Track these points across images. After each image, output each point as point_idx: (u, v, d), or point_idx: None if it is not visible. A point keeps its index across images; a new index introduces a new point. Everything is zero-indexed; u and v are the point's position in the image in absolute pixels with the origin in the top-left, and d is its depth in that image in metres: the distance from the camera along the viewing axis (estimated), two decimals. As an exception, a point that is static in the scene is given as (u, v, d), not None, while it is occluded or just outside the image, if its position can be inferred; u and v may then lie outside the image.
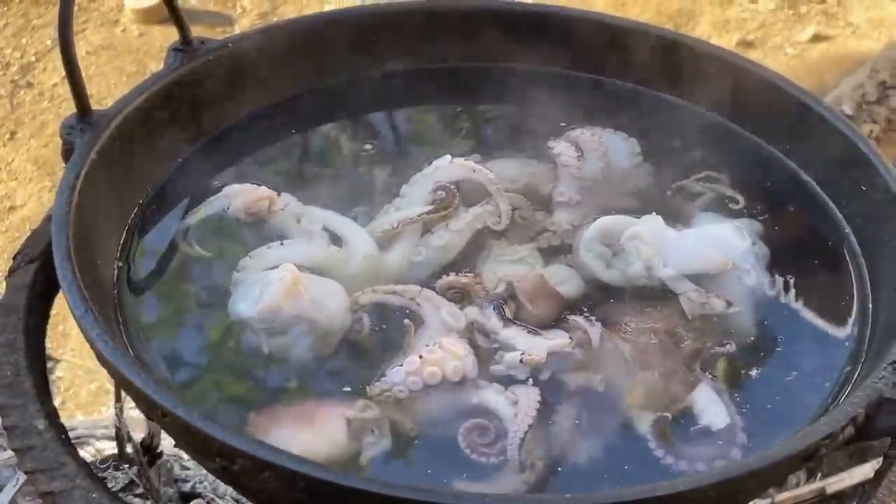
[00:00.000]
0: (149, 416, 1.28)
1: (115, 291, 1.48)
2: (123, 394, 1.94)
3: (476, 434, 1.35)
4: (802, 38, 4.12)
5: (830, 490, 2.31)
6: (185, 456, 2.31)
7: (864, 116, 3.18)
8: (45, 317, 1.53)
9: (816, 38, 4.13)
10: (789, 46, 4.07)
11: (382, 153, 1.81)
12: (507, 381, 1.41)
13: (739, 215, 1.68)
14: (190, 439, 1.20)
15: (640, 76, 1.86)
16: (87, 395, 2.79)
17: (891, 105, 3.24)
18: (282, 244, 1.55)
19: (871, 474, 2.18)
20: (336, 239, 1.58)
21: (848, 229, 1.64)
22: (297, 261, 1.50)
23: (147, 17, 4.18)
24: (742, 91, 1.77)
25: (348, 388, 1.40)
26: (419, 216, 1.59)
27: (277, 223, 1.59)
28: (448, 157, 1.67)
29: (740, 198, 1.72)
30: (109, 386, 2.73)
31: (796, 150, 1.74)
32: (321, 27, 1.83)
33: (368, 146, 1.82)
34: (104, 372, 2.69)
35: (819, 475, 2.33)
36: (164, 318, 1.51)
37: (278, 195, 1.62)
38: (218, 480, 2.25)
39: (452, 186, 1.64)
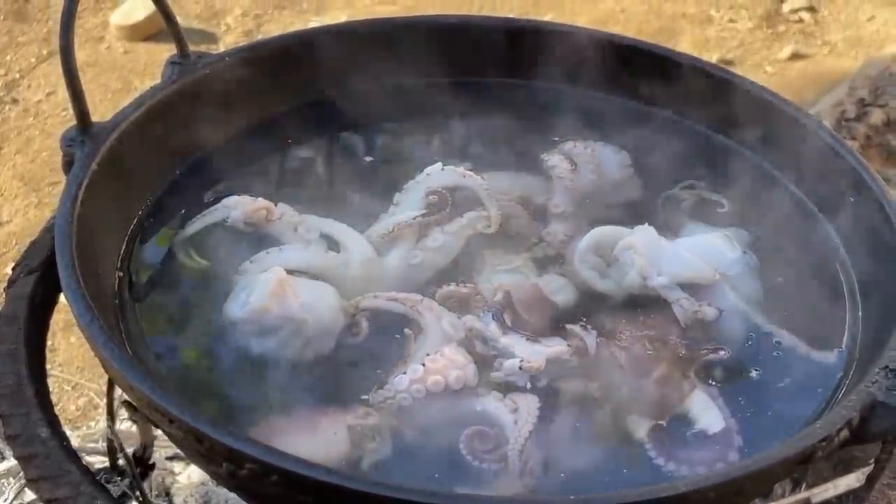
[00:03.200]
0: (154, 424, 1.28)
1: (117, 301, 1.49)
2: (116, 405, 1.95)
3: (477, 441, 1.36)
4: (781, 56, 4.18)
5: (816, 500, 2.33)
6: (177, 469, 2.32)
7: (843, 133, 3.22)
8: (45, 327, 1.54)
9: (795, 57, 4.19)
10: (768, 65, 4.12)
11: (377, 165, 1.84)
12: (506, 387, 1.43)
13: (728, 224, 1.71)
14: (197, 445, 1.20)
15: (631, 90, 1.89)
16: (75, 409, 2.78)
17: (870, 122, 3.28)
18: (281, 249, 1.58)
19: (856, 484, 2.21)
20: (335, 246, 1.61)
21: (837, 239, 1.67)
22: (295, 265, 1.54)
23: (132, 33, 4.18)
24: (731, 104, 1.81)
25: (349, 395, 1.42)
26: (414, 218, 1.63)
27: (275, 232, 1.62)
28: (439, 164, 1.70)
29: (726, 202, 1.75)
30: (98, 400, 2.72)
31: (785, 162, 1.77)
32: (317, 41, 1.84)
33: (363, 158, 1.84)
34: (93, 386, 2.71)
35: (804, 485, 2.36)
36: (165, 327, 1.52)
37: (275, 205, 1.64)
38: (209, 493, 2.26)
39: (445, 191, 1.67)
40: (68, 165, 1.53)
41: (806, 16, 4.43)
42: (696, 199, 1.77)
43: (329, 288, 1.53)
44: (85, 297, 1.32)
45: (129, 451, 1.97)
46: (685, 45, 4.16)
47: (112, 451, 1.98)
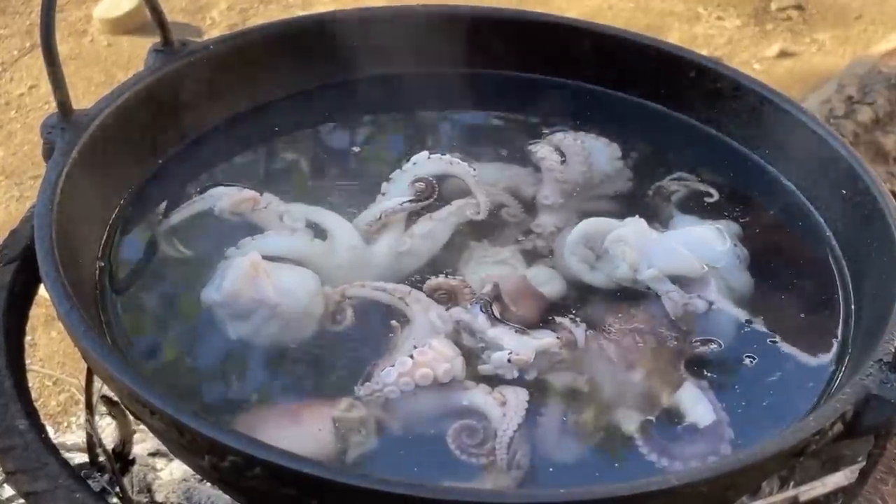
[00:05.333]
0: (135, 416, 1.26)
1: (98, 291, 1.47)
2: (95, 400, 1.92)
3: (465, 434, 1.34)
4: (769, 54, 4.18)
5: (804, 498, 2.32)
6: (159, 465, 2.29)
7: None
8: (24, 317, 1.52)
9: (783, 55, 4.19)
10: (756, 62, 4.12)
11: (364, 155, 1.81)
12: (495, 380, 1.41)
13: (719, 217, 1.70)
14: (178, 437, 1.18)
15: (621, 82, 1.87)
16: (56, 405, 2.75)
17: (858, 119, 3.28)
18: (265, 235, 1.56)
19: (845, 482, 2.20)
20: (322, 235, 1.59)
21: (829, 232, 1.65)
22: (280, 251, 1.53)
23: (115, 27, 4.15)
24: (722, 97, 1.79)
25: (334, 387, 1.40)
26: (401, 205, 1.61)
27: (261, 221, 1.60)
28: (425, 153, 1.69)
29: (715, 194, 1.74)
30: (79, 396, 2.69)
31: (777, 156, 1.76)
32: (303, 30, 1.82)
33: (351, 149, 1.82)
34: (74, 381, 2.68)
35: (792, 483, 2.35)
36: (147, 318, 1.49)
37: (260, 195, 1.62)
38: (191, 489, 2.23)
39: (431, 179, 1.66)
40: (48, 153, 1.50)
41: (794, 14, 4.43)
42: (685, 191, 1.75)
43: (308, 273, 1.51)
44: (64, 285, 1.29)
45: (109, 446, 1.95)
46: (673, 42, 4.15)
47: (91, 446, 1.96)
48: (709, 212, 1.72)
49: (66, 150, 1.48)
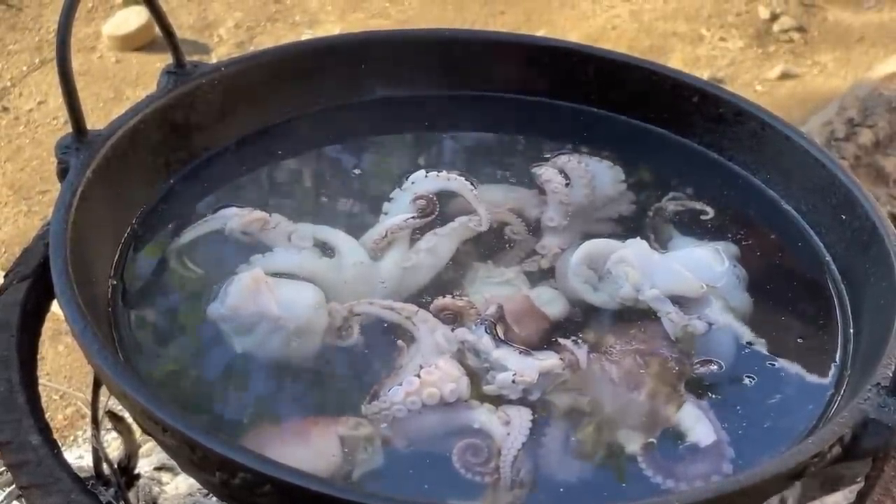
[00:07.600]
0: (147, 432, 1.28)
1: (110, 308, 1.49)
2: (101, 415, 1.94)
3: (470, 453, 1.37)
4: (771, 75, 4.21)
5: (803, 518, 2.34)
6: (165, 479, 2.31)
7: (832, 152, 3.24)
8: (37, 334, 1.54)
9: (785, 76, 4.22)
10: (758, 84, 4.15)
11: (369, 177, 1.84)
12: (499, 400, 1.43)
13: (718, 238, 1.73)
14: (190, 454, 1.20)
15: (624, 106, 1.90)
16: (62, 419, 2.77)
17: (859, 142, 3.31)
18: (275, 251, 1.60)
19: (844, 502, 2.21)
20: (330, 253, 1.62)
21: (828, 256, 1.67)
22: (288, 267, 1.57)
23: (124, 43, 4.18)
24: (724, 121, 1.82)
25: (339, 405, 1.42)
26: (405, 221, 1.65)
27: (270, 240, 1.63)
28: (423, 171, 1.73)
29: (713, 215, 1.77)
30: (85, 410, 2.71)
31: (776, 180, 1.78)
32: (313, 53, 1.85)
33: (355, 170, 1.85)
34: (80, 395, 2.70)
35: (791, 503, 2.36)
36: (158, 334, 1.51)
37: (269, 215, 1.65)
38: (198, 503, 2.25)
39: (432, 196, 1.70)
40: (63, 173, 1.53)
41: (796, 36, 4.46)
42: (685, 213, 1.78)
43: (312, 287, 1.54)
44: (79, 303, 1.32)
45: (115, 461, 1.97)
46: (676, 63, 4.18)
47: (97, 459, 1.98)
48: (708, 233, 1.74)
49: (80, 170, 1.50)
